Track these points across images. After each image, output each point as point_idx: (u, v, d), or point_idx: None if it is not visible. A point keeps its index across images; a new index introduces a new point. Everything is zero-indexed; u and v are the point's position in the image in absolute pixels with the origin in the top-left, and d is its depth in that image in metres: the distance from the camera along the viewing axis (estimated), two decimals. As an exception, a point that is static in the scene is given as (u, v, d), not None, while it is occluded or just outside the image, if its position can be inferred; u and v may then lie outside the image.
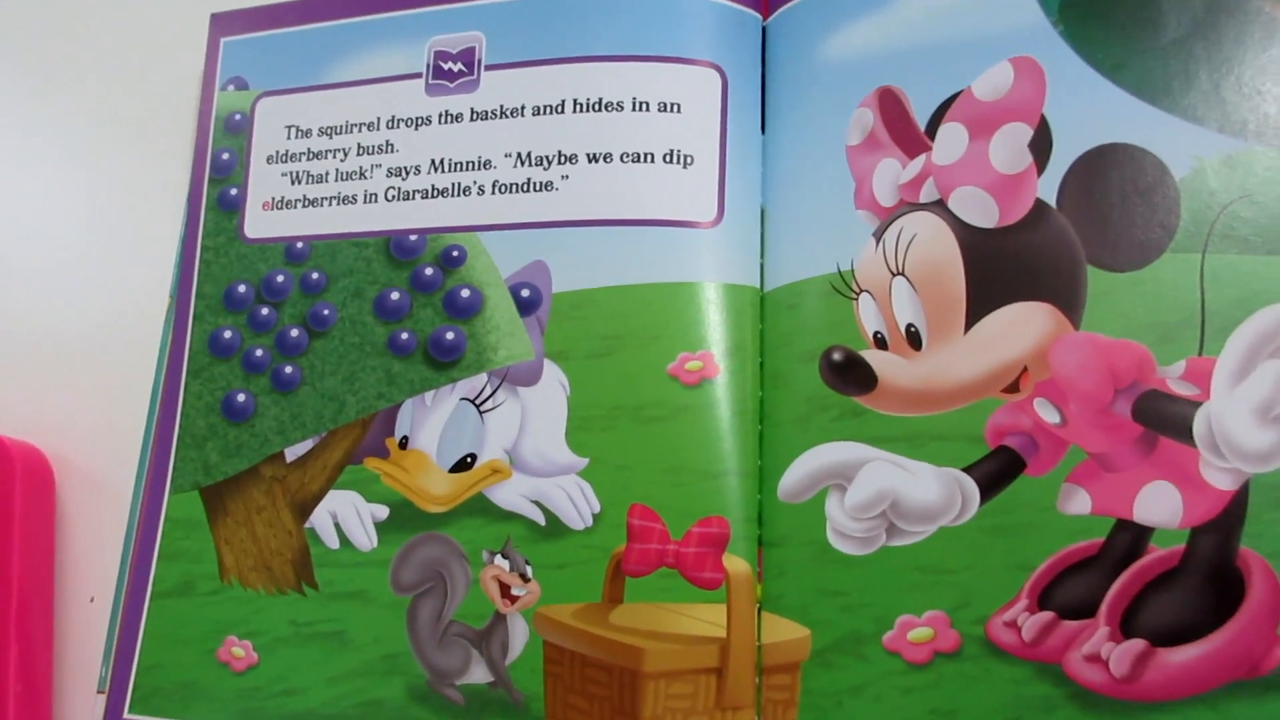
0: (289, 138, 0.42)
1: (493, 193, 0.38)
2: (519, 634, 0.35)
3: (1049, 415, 0.31)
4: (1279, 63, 0.32)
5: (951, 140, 0.33)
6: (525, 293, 0.37)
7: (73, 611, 0.41)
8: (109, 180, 0.46)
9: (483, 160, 0.39)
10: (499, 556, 0.36)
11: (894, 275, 0.33)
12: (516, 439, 0.36)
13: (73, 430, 0.43)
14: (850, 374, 0.33)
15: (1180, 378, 0.30)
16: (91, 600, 0.41)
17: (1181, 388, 0.30)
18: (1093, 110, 0.32)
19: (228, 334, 0.41)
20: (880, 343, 0.34)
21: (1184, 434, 0.30)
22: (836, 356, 0.33)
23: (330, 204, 0.41)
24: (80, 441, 0.43)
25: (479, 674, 0.35)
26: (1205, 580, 0.30)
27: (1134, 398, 0.31)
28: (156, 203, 0.45)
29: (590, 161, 0.37)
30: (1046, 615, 0.30)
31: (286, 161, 0.42)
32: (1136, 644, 0.30)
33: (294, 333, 0.40)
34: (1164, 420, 0.30)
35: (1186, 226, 0.31)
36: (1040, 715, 0.30)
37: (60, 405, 0.44)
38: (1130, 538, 0.30)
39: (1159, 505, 0.30)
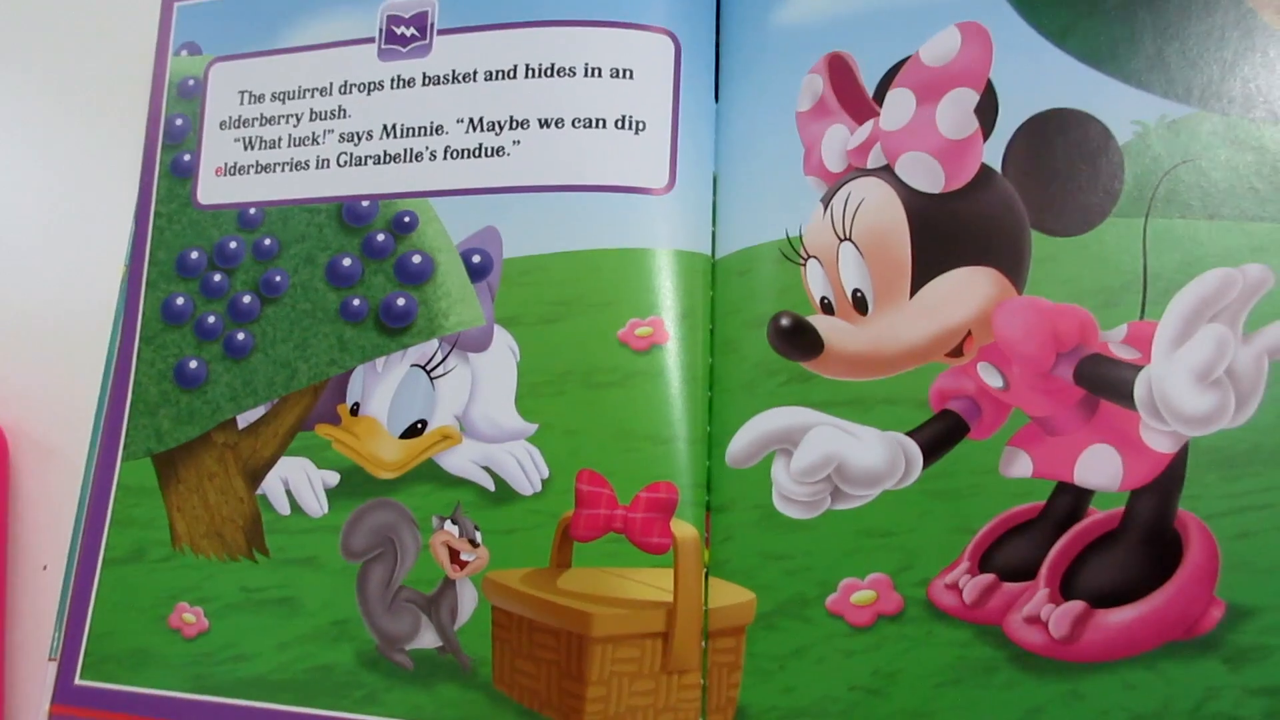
0: (242, 103, 0.42)
1: (444, 158, 0.38)
2: (468, 599, 0.35)
3: (992, 379, 0.32)
4: (1222, 29, 0.32)
5: (899, 106, 0.33)
6: (476, 259, 0.37)
7: (25, 580, 0.41)
8: (62, 148, 0.46)
9: (434, 125, 0.38)
10: (448, 522, 0.35)
11: (841, 240, 0.33)
12: (467, 405, 0.36)
13: (26, 399, 0.43)
14: (797, 339, 0.33)
15: (1122, 341, 0.31)
16: (44, 569, 0.41)
17: (1123, 351, 0.31)
18: (1039, 75, 0.32)
19: (180, 301, 0.41)
20: (827, 308, 0.34)
21: (1125, 397, 0.30)
22: (784, 322, 0.33)
23: (283, 170, 0.40)
24: (33, 410, 0.43)
25: (428, 639, 0.35)
26: (1144, 542, 0.30)
27: (1076, 361, 0.31)
28: (110, 170, 0.44)
29: (542, 127, 0.37)
30: (987, 578, 0.31)
31: (239, 127, 0.42)
32: (1075, 605, 0.30)
33: (246, 299, 0.40)
34: (1105, 384, 0.30)
35: (1130, 191, 0.31)
36: (981, 677, 0.30)
37: (13, 374, 0.43)
38: (1070, 500, 0.30)
39: (1099, 468, 0.30)
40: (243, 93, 0.42)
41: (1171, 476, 0.30)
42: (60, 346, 0.43)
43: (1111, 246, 0.31)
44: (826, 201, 0.34)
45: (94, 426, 0.41)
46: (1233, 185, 0.31)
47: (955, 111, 0.32)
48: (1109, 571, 0.30)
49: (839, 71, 0.34)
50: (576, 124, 0.37)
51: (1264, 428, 0.29)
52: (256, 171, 0.41)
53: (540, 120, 0.37)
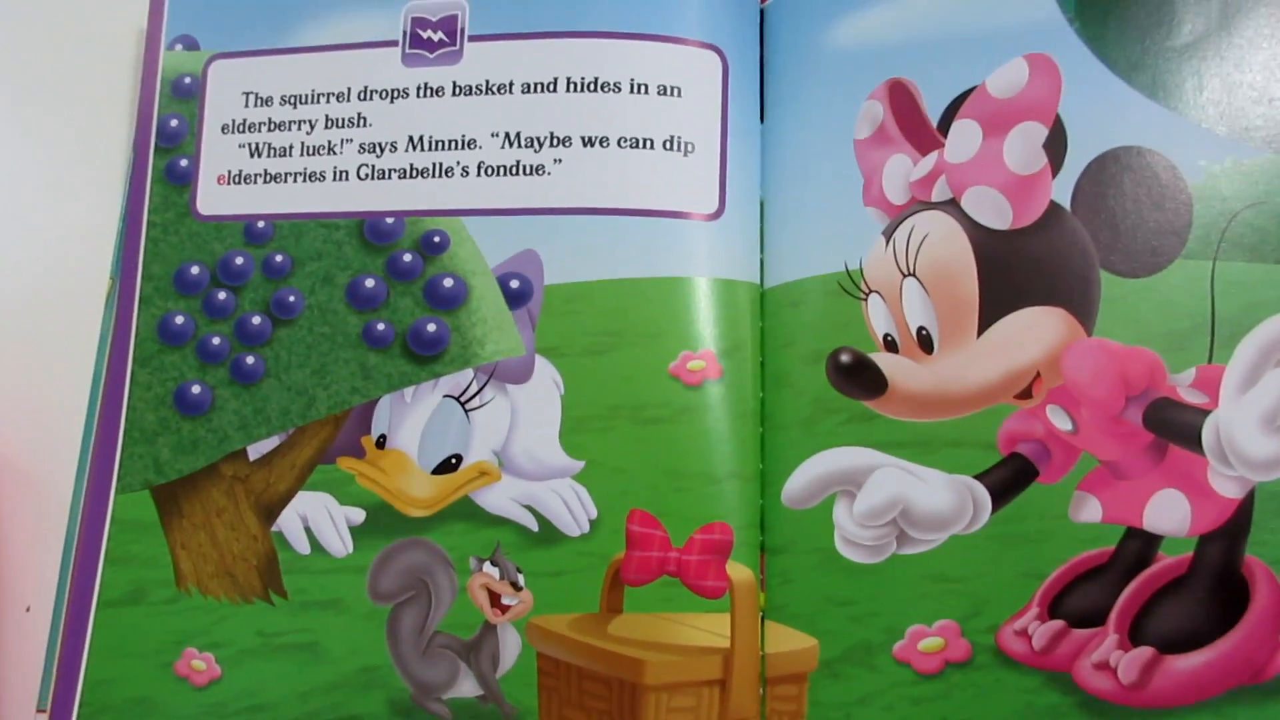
0: (247, 105, 0.39)
1: (478, 174, 0.36)
2: (510, 645, 0.33)
3: (1061, 422, 0.31)
4: (1291, 71, 0.32)
5: (965, 137, 0.32)
6: (515, 284, 0.35)
7: (6, 622, 0.38)
8: (41, 148, 0.42)
9: (466, 139, 0.36)
10: (488, 564, 0.34)
11: (905, 276, 0.33)
12: (506, 439, 0.34)
13: (3, 423, 0.39)
14: (860, 377, 0.32)
15: (1190, 385, 0.30)
16: (28, 610, 0.38)
17: (1191, 395, 0.30)
18: (1107, 111, 0.32)
19: (179, 319, 0.38)
20: (890, 345, 0.33)
21: (1193, 442, 0.30)
22: (845, 358, 0.32)
23: (295, 180, 0.38)
24: (11, 436, 0.39)
25: (467, 687, 0.33)
26: (1212, 588, 0.30)
27: (1145, 405, 0.31)
28: (94, 173, 0.41)
29: (585, 145, 0.35)
30: (1057, 624, 0.30)
31: (244, 132, 0.39)
32: (1144, 651, 0.30)
33: (256, 320, 0.37)
34: (1174, 428, 0.30)
35: (1198, 233, 0.31)
36: (1049, 723, 0.30)
37: (-15, 394, 0.40)
38: (1139, 545, 0.30)
39: (1168, 513, 0.30)
40: (247, 94, 0.39)
41: (1239, 522, 0.30)
42: (41, 365, 0.40)
43: (1180, 289, 0.31)
44: (889, 234, 0.33)
45: (81, 455, 0.38)
46: (1299, 230, 0.31)
47: (1023, 146, 0.32)
48: (1178, 617, 0.30)
49: (900, 99, 0.33)
50: (623, 143, 0.35)
51: (1330, 474, 0.30)
52: (265, 181, 0.38)
53: (584, 139, 0.35)
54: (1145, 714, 0.30)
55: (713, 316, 0.34)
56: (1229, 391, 0.30)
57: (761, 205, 0.36)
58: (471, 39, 0.37)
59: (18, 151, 0.42)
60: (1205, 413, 0.30)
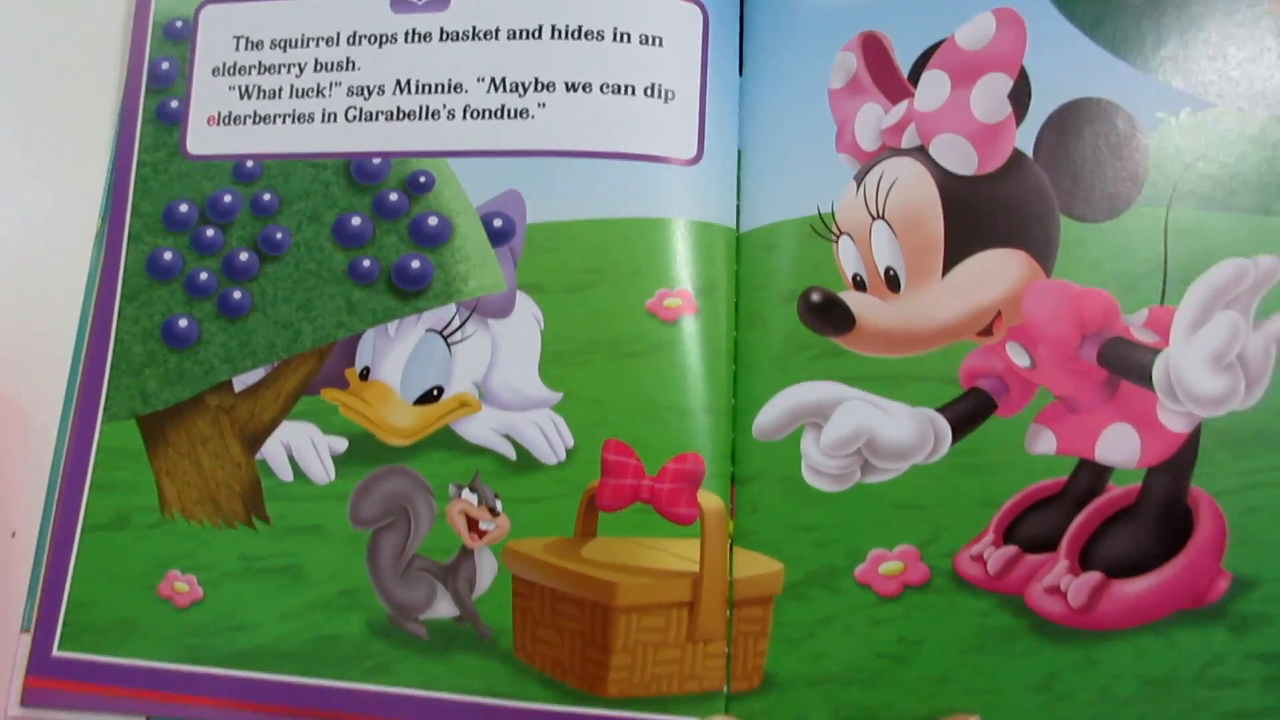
0: (237, 49, 0.40)
1: (463, 117, 0.37)
2: (486, 568, 0.34)
3: (1020, 358, 0.33)
4: (1243, 28, 0.33)
5: (934, 87, 0.34)
6: (498, 223, 0.36)
7: (-9, 547, 0.38)
8: (32, 90, 0.43)
9: (453, 83, 0.37)
10: (466, 490, 0.35)
11: (874, 219, 0.34)
12: (487, 372, 0.36)
13: (-12, 355, 0.40)
14: (829, 315, 0.33)
15: (1143, 325, 0.32)
16: (14, 535, 0.38)
17: (1143, 335, 0.32)
18: (1070, 64, 0.33)
19: (168, 255, 0.38)
20: (859, 285, 0.34)
21: (1144, 379, 0.32)
22: (815, 297, 0.34)
23: (284, 121, 0.39)
24: (-3, 368, 0.40)
25: (444, 608, 0.34)
26: (1158, 517, 0.31)
27: (1100, 343, 0.32)
28: (85, 115, 0.42)
29: (569, 90, 0.36)
30: (1011, 550, 0.32)
31: (234, 74, 0.39)
32: (1093, 576, 0.31)
33: (243, 256, 0.38)
34: (1126, 366, 0.32)
35: (1153, 181, 0.33)
36: (1002, 644, 0.31)
37: (-27, 327, 0.41)
38: (1091, 476, 0.32)
39: (1119, 446, 0.32)
40: (238, 38, 0.40)
41: (1185, 455, 0.31)
42: (28, 301, 0.40)
43: (1135, 234, 0.32)
44: (860, 179, 0.34)
45: (68, 386, 0.39)
46: (1248, 180, 0.32)
47: (989, 96, 0.33)
48: (1125, 544, 0.31)
49: (873, 51, 0.35)
50: (605, 89, 0.36)
51: (1271, 410, 0.31)
52: (254, 122, 0.39)
53: (568, 84, 0.36)
54: (1092, 635, 0.31)
55: (689, 257, 0.35)
56: (1179, 331, 0.32)
57: (740, 155, 0.37)
58: (460, -15, 0.38)
59: (11, 94, 0.43)
60: (1156, 351, 0.32)
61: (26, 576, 0.37)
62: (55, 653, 0.36)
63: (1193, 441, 0.31)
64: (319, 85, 0.39)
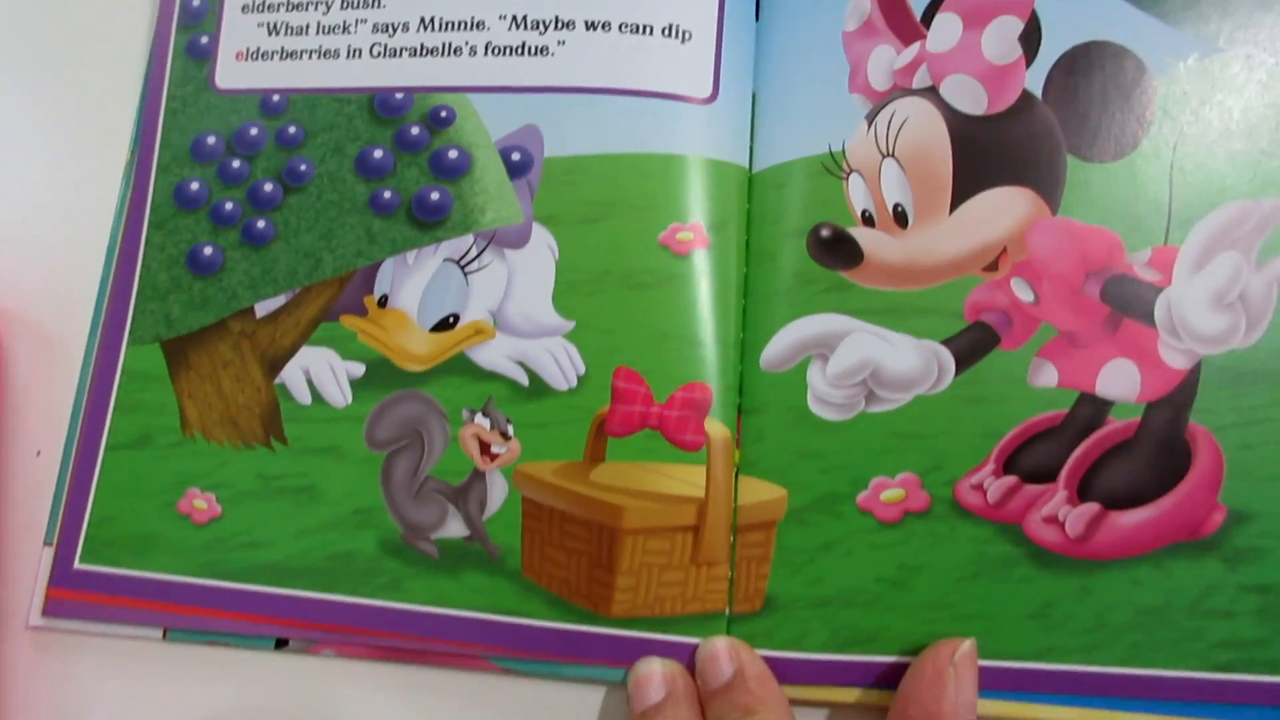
0: (267, -13, 0.41)
1: (485, 54, 0.38)
2: (497, 490, 0.35)
3: (1024, 294, 0.33)
4: (1254, -25, 0.34)
5: (946, 29, 0.34)
6: (516, 156, 0.37)
7: (18, 465, 0.40)
8: (64, 25, 0.44)
9: (475, 20, 0.38)
10: (479, 415, 0.36)
11: (884, 156, 0.34)
12: (502, 301, 0.36)
13: (20, 284, 0.41)
14: (838, 249, 0.34)
15: (1146, 264, 0.33)
16: (38, 454, 0.39)
17: (1147, 273, 0.32)
18: (1080, 7, 0.34)
19: (195, 185, 0.40)
20: (868, 221, 0.35)
21: (1146, 316, 0.32)
22: (825, 233, 0.34)
23: (310, 57, 0.40)
24: (28, 296, 0.41)
25: (455, 528, 0.35)
26: (1156, 451, 0.32)
27: (1103, 281, 0.33)
28: (116, 49, 0.43)
29: (588, 29, 0.37)
30: (1011, 479, 0.32)
31: (263, 11, 0.40)
32: (1091, 507, 0.32)
33: (268, 187, 0.39)
34: (1129, 302, 0.32)
35: (1160, 123, 0.33)
36: (999, 571, 0.32)
37: (6, 259, 0.42)
38: (1091, 410, 0.32)
39: (1119, 381, 0.32)
40: (268, -24, 0.41)
41: (1185, 391, 0.32)
42: (58, 231, 0.42)
43: (1141, 175, 0.33)
44: (871, 119, 0.35)
45: (95, 312, 0.40)
46: (1253, 124, 0.33)
47: (1000, 37, 0.34)
48: (1123, 477, 0.32)
49: (888, -7, 0.35)
50: (624, 28, 0.37)
51: (1271, 349, 0.32)
52: (281, 58, 0.40)
53: (587, 22, 0.37)
54: (1088, 564, 0.32)
55: (702, 193, 0.36)
56: (1182, 270, 0.32)
57: (755, 97, 0.38)
58: (485, -74, 0.39)
59: (42, 30, 0.44)
60: (1159, 289, 0.32)
61: (50, 493, 0.38)
62: (77, 565, 0.37)
63: (1192, 378, 0.32)
64: (345, 22, 0.39)
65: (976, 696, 0.30)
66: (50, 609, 0.37)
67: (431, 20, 0.39)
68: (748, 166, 0.37)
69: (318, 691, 0.36)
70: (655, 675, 0.32)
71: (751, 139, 0.37)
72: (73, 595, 0.37)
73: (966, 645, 0.30)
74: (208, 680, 0.36)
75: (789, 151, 0.36)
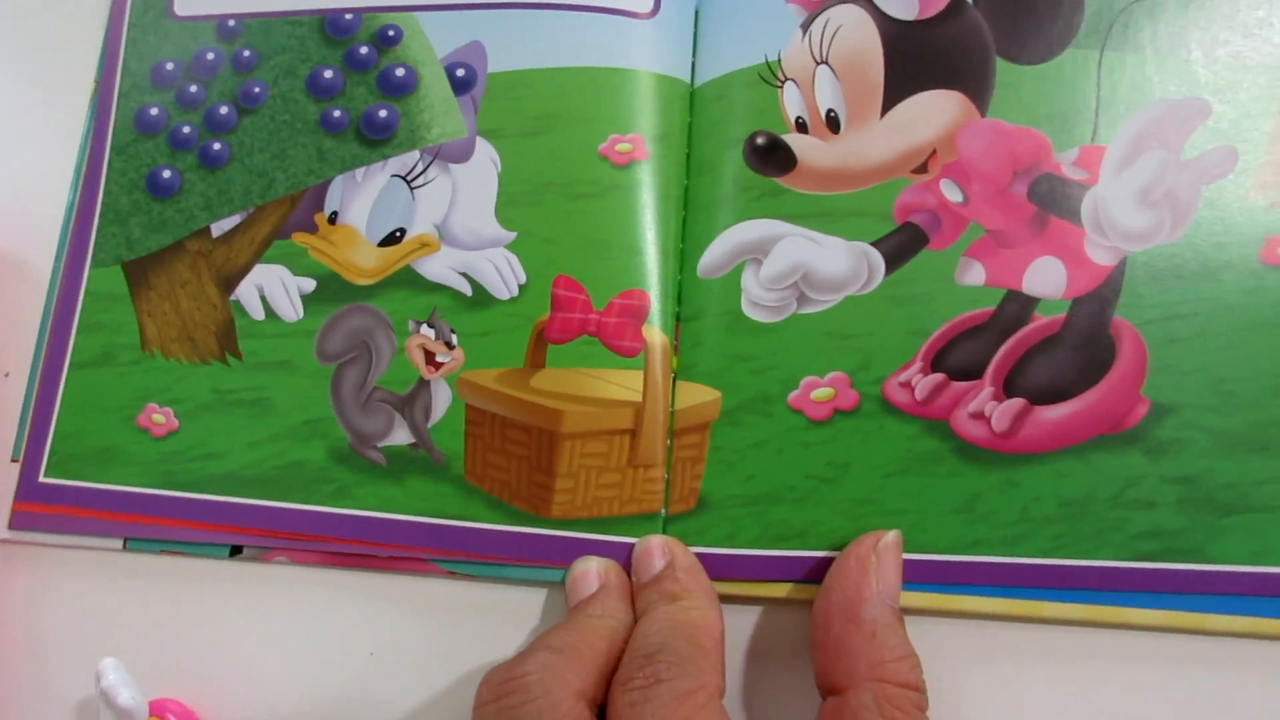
0: (222, -84, 0.41)
1: (431, -26, 0.39)
2: (441, 398, 0.36)
3: (953, 194, 0.34)
4: (1183, -124, 0.34)
5: (880, -63, 0.35)
6: (460, 72, 0.38)
7: (-14, 385, 0.41)
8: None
9: (422, -58, 0.39)
10: (425, 325, 0.36)
11: (818, 64, 0.35)
12: (446, 214, 0.37)
13: (-13, 209, 0.42)
14: (772, 155, 0.35)
15: (1073, 163, 0.33)
16: (6, 375, 0.41)
17: (1074, 172, 0.33)
18: (1012, -87, 0.34)
19: (154, 111, 0.40)
20: (801, 127, 0.35)
21: (1073, 214, 0.33)
22: (760, 140, 0.35)
23: (264, -17, 0.40)
24: (-4, 222, 0.42)
25: (401, 436, 0.36)
26: (1081, 346, 0.32)
27: (1030, 180, 0.33)
28: (80, -20, 0.44)
29: (530, -54, 0.38)
30: (938, 377, 0.33)
31: (219, -60, 0.41)
32: (1016, 402, 0.32)
33: (223, 109, 0.40)
34: (1056, 201, 0.33)
35: (1088, 25, 0.33)
36: (927, 467, 0.32)
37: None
38: (1017, 307, 0.33)
39: (1045, 278, 0.33)
40: (223, -95, 0.41)
41: (1110, 287, 0.32)
42: (27, 162, 0.43)
43: (1069, 76, 0.33)
44: (806, 27, 0.35)
45: (60, 237, 0.41)
46: (1181, 25, 0.33)
47: (932, -57, 0.34)
48: (1048, 372, 0.32)
49: (823, -97, 0.36)
50: (565, -56, 0.37)
51: (1195, 245, 0.32)
52: (236, -16, 0.41)
53: (529, -61, 0.38)
54: (1014, 458, 0.32)
55: (643, 106, 0.37)
56: (1109, 169, 0.32)
57: (698, 13, 0.38)
58: None
59: (11, -42, 0.45)
60: (1086, 188, 0.33)
61: (18, 414, 0.40)
62: (41, 479, 0.38)
63: (1117, 274, 0.32)
64: (297, -52, 0.40)
65: (899, 585, 0.30)
66: (16, 522, 0.38)
67: (380, -57, 0.39)
68: (690, 80, 0.37)
69: (271, 598, 0.37)
70: (591, 571, 0.33)
71: (695, 53, 0.38)
72: (38, 508, 0.38)
73: (890, 536, 0.31)
74: (166, 588, 0.37)
75: (729, 63, 0.37)
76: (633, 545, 0.34)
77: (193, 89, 0.40)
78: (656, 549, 0.33)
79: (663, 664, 0.27)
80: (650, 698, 0.26)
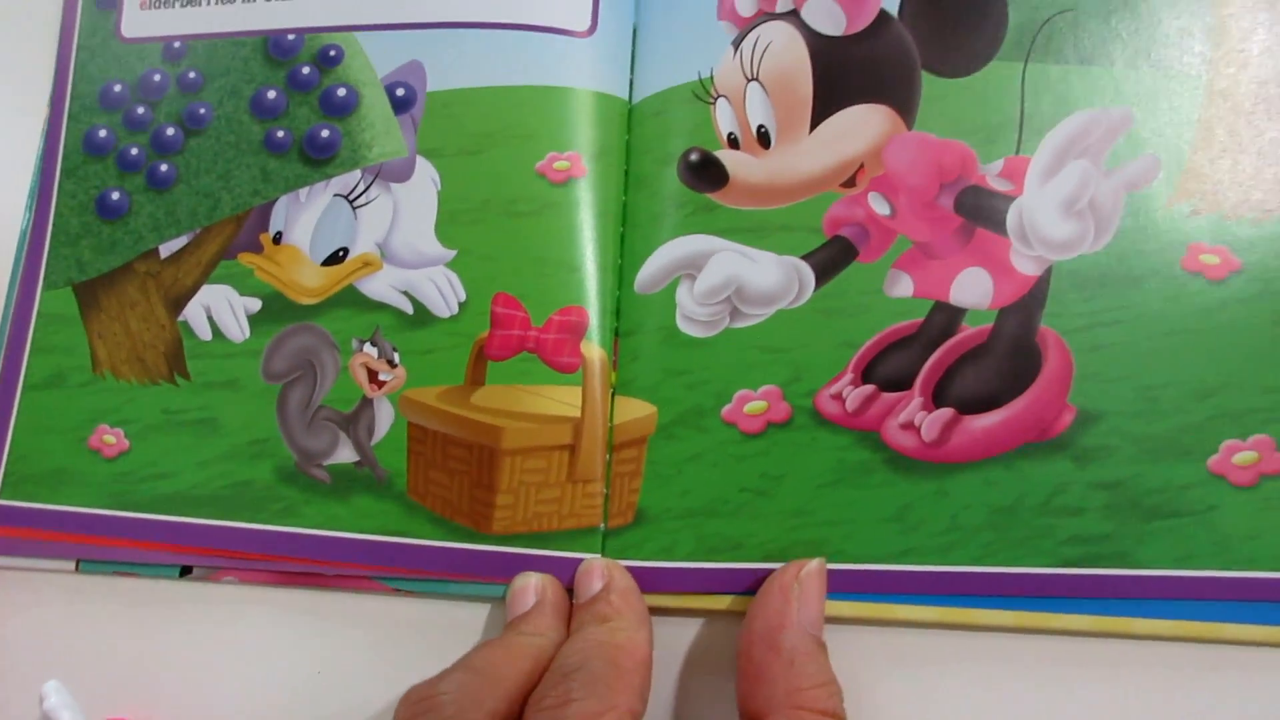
0: (167, -61, 0.42)
1: (371, -5, 0.39)
2: (384, 416, 0.36)
3: (881, 207, 0.34)
4: (1104, -112, 0.34)
5: (808, -47, 0.35)
6: (400, 91, 0.38)
7: (-59, 407, 0.41)
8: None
9: (362, -37, 0.39)
10: (368, 344, 0.37)
11: (749, 80, 0.35)
12: (388, 233, 0.38)
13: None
14: (705, 172, 0.35)
15: (999, 175, 0.33)
16: (-39, 397, 0.41)
17: (999, 184, 0.33)
18: (937, -72, 0.35)
19: (102, 133, 0.41)
20: (733, 143, 0.36)
21: (998, 225, 0.33)
22: (694, 157, 0.35)
23: (209, 3, 0.41)
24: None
25: (345, 454, 0.37)
26: (1008, 355, 0.33)
27: (957, 192, 0.33)
28: (34, 4, 0.44)
29: (467, -34, 0.38)
30: (868, 388, 0.33)
31: (165, -37, 0.42)
32: (945, 412, 0.33)
33: (170, 131, 0.40)
34: (981, 212, 0.33)
35: (1013, 37, 0.34)
36: (859, 478, 0.33)
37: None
38: (945, 318, 0.33)
39: (972, 288, 0.33)
40: (168, -72, 0.42)
41: (1036, 296, 0.33)
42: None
43: (993, 88, 0.34)
44: (737, 44, 0.36)
45: (15, 261, 0.41)
46: (1104, 36, 0.33)
47: (858, -41, 0.34)
48: (976, 381, 0.33)
49: (753, -80, 0.36)
50: (501, -36, 0.38)
51: (1119, 253, 0.32)
52: (182, 5, 0.41)
53: (466, -41, 0.38)
54: (944, 468, 0.33)
55: (580, 123, 0.37)
56: (1033, 179, 0.33)
57: (636, 31, 0.38)
58: None
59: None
60: (1010, 199, 0.33)
61: (-28, 433, 0.40)
62: (-4, 501, 0.39)
63: (1043, 283, 0.33)
64: (241, -30, 0.41)
65: (821, 613, 0.31)
66: (-30, 544, 0.39)
67: (321, -35, 0.40)
68: (628, 97, 0.38)
69: (220, 617, 0.37)
70: (529, 587, 0.33)
71: (634, 70, 0.38)
72: (-8, 529, 0.39)
73: (813, 564, 0.31)
74: (117, 609, 0.38)
75: (665, 80, 0.37)
76: (572, 560, 0.34)
77: (140, 110, 0.41)
78: (596, 571, 0.33)
79: (576, 684, 0.27)
80: (560, 718, 0.26)
